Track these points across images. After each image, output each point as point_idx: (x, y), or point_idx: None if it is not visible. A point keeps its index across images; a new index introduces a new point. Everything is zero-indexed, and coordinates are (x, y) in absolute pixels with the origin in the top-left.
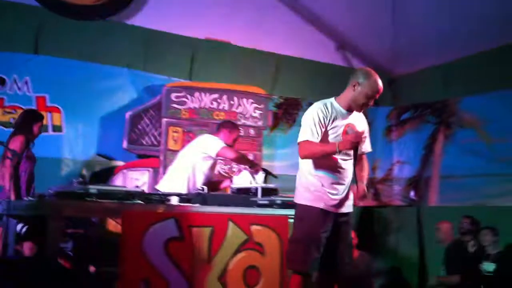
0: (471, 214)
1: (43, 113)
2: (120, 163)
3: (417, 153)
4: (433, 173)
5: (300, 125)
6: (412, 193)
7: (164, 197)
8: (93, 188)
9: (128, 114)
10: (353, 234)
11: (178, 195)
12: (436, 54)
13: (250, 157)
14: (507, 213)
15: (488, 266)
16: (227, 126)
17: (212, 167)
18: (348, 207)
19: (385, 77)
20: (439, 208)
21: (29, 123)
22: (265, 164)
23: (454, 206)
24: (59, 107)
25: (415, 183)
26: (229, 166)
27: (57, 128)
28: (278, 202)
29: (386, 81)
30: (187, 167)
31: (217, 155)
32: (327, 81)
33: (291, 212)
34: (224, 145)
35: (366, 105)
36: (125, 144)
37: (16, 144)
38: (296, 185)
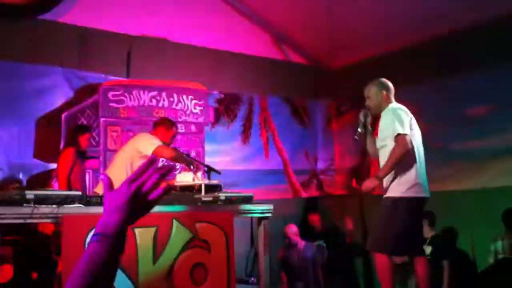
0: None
1: None
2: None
3: (356, 143)
4: (372, 162)
5: (241, 120)
6: (353, 182)
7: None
8: (30, 194)
9: (64, 115)
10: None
11: None
12: (372, 45)
13: (193, 154)
14: (441, 198)
15: (425, 249)
16: (164, 123)
17: None
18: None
19: (323, 70)
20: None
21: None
22: (208, 160)
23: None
24: None
25: (356, 172)
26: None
27: None
28: (223, 198)
29: (324, 74)
30: (125, 167)
31: (154, 154)
32: (266, 75)
33: (236, 207)
34: (160, 143)
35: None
36: (62, 146)
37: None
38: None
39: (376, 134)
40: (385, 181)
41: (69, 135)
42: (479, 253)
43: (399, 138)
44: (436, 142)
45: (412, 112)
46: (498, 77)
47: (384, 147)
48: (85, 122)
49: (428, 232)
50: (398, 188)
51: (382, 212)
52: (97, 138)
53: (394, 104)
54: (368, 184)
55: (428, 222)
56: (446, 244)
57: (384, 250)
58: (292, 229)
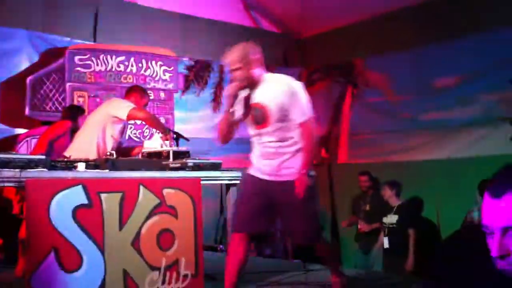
0: (377, 170)
1: None
2: (23, 130)
3: (326, 112)
4: (341, 132)
5: (212, 88)
6: (322, 151)
7: (70, 164)
8: None
9: (29, 79)
10: None
11: (85, 161)
12: (344, 14)
13: (162, 120)
14: (408, 168)
15: (392, 218)
16: (137, 90)
17: (122, 131)
18: None
19: (294, 38)
20: (348, 165)
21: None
22: (177, 127)
23: (362, 162)
24: None
25: (325, 141)
26: (140, 131)
27: None
28: (190, 164)
29: (295, 42)
30: (96, 132)
31: (128, 117)
32: (237, 42)
33: (204, 174)
34: (134, 106)
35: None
36: (27, 111)
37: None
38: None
39: None
40: None
41: (67, 110)
42: (444, 222)
43: None
44: (405, 112)
45: (380, 83)
46: (466, 48)
47: None
48: (50, 87)
49: (394, 202)
50: None
51: None
52: (63, 104)
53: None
54: None
55: (394, 192)
56: (412, 213)
57: None
58: None
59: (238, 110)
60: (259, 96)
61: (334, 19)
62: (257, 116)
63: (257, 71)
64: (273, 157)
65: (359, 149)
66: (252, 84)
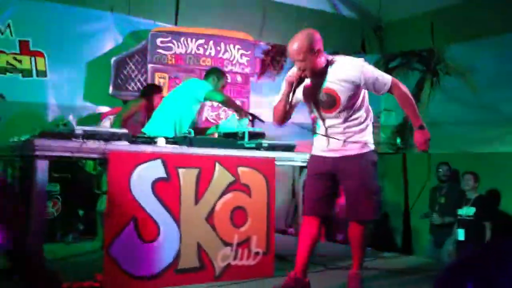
0: (454, 161)
1: (26, 57)
2: (106, 108)
3: None
4: None
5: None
6: (398, 140)
7: (150, 139)
8: (78, 129)
9: (113, 60)
10: None
11: (165, 137)
12: (424, 1)
13: (238, 103)
14: (487, 159)
15: (468, 210)
16: (215, 72)
17: (199, 111)
18: None
19: (373, 24)
20: (423, 155)
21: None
22: (253, 111)
23: (438, 153)
24: (43, 51)
25: (401, 130)
26: (216, 113)
27: (41, 73)
28: (265, 145)
29: (373, 28)
30: (174, 111)
31: (205, 98)
32: (315, 28)
33: (278, 154)
34: (211, 87)
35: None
36: (111, 90)
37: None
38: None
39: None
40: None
41: (144, 89)
42: None
43: None
44: (486, 102)
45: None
46: None
47: None
48: (133, 67)
49: (473, 193)
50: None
51: None
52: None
53: None
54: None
55: (472, 183)
56: (489, 206)
57: None
58: None
59: (300, 94)
60: (327, 82)
61: (414, 5)
62: (326, 101)
63: (319, 60)
64: (340, 135)
65: (436, 139)
66: (316, 72)
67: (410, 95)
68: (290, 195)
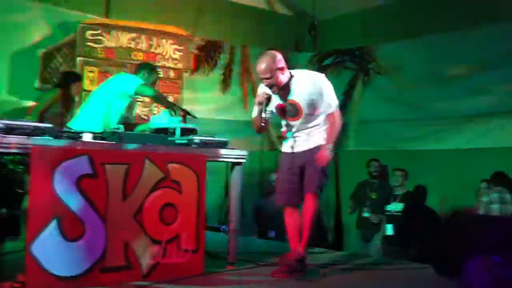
0: (384, 157)
1: None
2: (32, 103)
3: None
4: (350, 119)
5: (221, 69)
6: None
7: (76, 134)
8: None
9: (40, 52)
10: None
11: (92, 132)
12: (357, 0)
13: (170, 99)
14: (414, 156)
15: (397, 206)
16: (146, 67)
17: (130, 107)
18: None
19: (307, 22)
20: (355, 152)
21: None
22: (186, 107)
23: (369, 150)
24: None
25: None
26: (148, 109)
27: None
28: (197, 141)
29: (308, 26)
30: (102, 106)
31: (135, 93)
32: (249, 24)
33: (210, 151)
34: (142, 82)
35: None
36: (37, 83)
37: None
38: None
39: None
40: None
41: (61, 78)
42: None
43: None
44: (415, 101)
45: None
46: (479, 37)
47: None
48: (61, 61)
49: (401, 189)
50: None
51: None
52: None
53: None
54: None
55: (401, 180)
56: (416, 202)
57: None
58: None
59: (272, 107)
60: (291, 94)
61: (347, 4)
62: (291, 111)
63: (283, 76)
64: (307, 136)
65: (367, 136)
66: (281, 87)
67: (338, 129)
68: (223, 192)
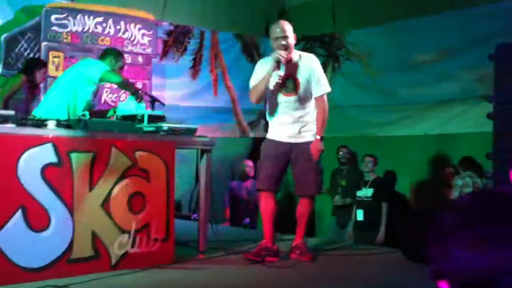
0: (354, 143)
1: None
2: None
3: None
4: None
5: (191, 54)
6: None
7: (40, 122)
8: None
9: (3, 36)
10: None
11: (57, 120)
12: None
13: (139, 85)
14: (384, 142)
15: (367, 191)
16: (113, 53)
17: (95, 93)
18: None
19: (277, 7)
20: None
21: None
22: (155, 93)
23: (339, 136)
24: None
25: None
26: (116, 95)
27: None
28: (165, 128)
29: (278, 11)
30: (67, 92)
31: (101, 79)
32: (219, 9)
33: (178, 138)
34: (108, 68)
35: (279, 47)
36: (0, 69)
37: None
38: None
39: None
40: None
41: (25, 64)
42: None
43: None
44: (383, 87)
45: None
46: (446, 23)
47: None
48: (25, 45)
49: (371, 175)
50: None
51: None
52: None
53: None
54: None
55: (371, 165)
56: (386, 187)
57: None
58: (250, 163)
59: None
60: (292, 68)
61: None
62: (289, 85)
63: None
64: (295, 123)
65: (337, 122)
66: (289, 59)
67: (327, 113)
68: (194, 180)
